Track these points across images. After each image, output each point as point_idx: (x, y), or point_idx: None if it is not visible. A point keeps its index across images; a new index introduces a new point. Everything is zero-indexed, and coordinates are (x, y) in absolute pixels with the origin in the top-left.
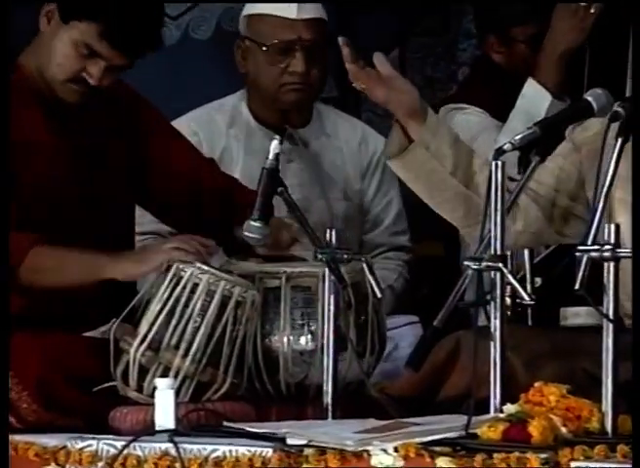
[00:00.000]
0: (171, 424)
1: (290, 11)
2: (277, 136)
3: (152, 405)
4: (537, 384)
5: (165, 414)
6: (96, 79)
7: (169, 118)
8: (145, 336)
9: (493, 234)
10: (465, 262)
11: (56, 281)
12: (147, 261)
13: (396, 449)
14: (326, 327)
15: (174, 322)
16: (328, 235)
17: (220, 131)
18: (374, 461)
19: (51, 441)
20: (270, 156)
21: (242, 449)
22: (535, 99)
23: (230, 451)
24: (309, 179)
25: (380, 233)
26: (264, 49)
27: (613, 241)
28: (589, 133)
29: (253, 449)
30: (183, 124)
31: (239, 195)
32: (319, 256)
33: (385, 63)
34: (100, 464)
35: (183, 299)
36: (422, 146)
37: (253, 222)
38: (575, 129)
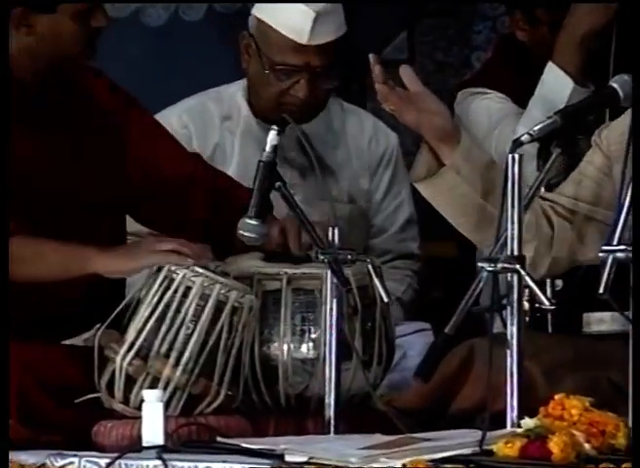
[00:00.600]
0: (159, 440)
1: (301, 34)
2: (275, 127)
3: (139, 418)
4: (557, 396)
5: (153, 429)
6: None
7: (157, 105)
8: (133, 344)
9: (509, 233)
10: (480, 264)
11: (36, 273)
12: (137, 259)
13: (404, 467)
14: (329, 333)
15: (164, 328)
16: (330, 234)
17: (214, 123)
18: None
19: (29, 458)
20: (267, 148)
21: (237, 467)
22: (555, 86)
23: None
24: (311, 180)
25: (387, 239)
26: (267, 72)
27: None
28: (615, 132)
29: (248, 467)
30: (174, 114)
31: (232, 192)
32: (320, 257)
33: (414, 79)
34: None
35: (175, 304)
36: (453, 171)
37: (248, 220)
38: (600, 132)
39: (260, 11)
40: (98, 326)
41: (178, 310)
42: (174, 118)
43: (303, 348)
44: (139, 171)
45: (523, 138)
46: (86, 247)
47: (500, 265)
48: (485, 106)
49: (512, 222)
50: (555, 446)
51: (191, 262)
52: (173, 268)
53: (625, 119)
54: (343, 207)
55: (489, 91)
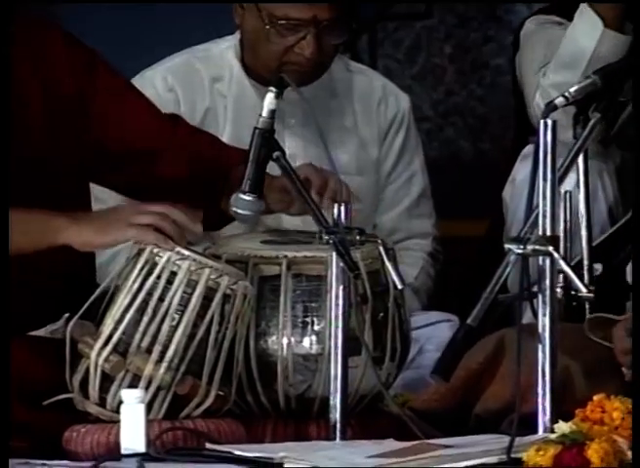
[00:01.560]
0: (140, 447)
1: None
2: (273, 89)
3: (118, 422)
4: (596, 397)
5: (133, 434)
6: None
7: (138, 65)
8: (110, 337)
9: (541, 210)
10: (507, 245)
11: None
12: (112, 232)
13: None
14: (335, 325)
15: (145, 319)
16: (336, 211)
17: (204, 86)
18: None
19: None
20: (264, 113)
21: None
22: (585, 29)
23: None
24: (314, 149)
25: (398, 215)
26: (267, 27)
27: None
28: None
29: None
30: (158, 76)
31: (222, 156)
32: (325, 238)
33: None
34: None
35: (158, 291)
36: None
37: (242, 196)
38: None
39: None
40: (67, 315)
41: (161, 298)
42: (158, 80)
43: (306, 342)
44: (105, 135)
45: (557, 101)
46: (56, 216)
47: (530, 247)
48: (546, 38)
49: (544, 197)
50: (594, 453)
51: (170, 246)
52: (155, 250)
53: None
54: (351, 179)
55: (559, 19)
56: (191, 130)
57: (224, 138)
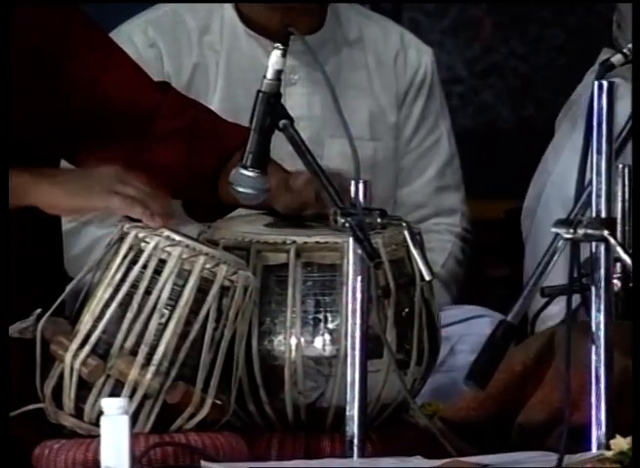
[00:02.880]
0: (124, 465)
1: None
2: (279, 45)
3: (97, 437)
4: None
5: (116, 451)
6: None
7: (115, 18)
8: (88, 336)
9: (595, 187)
10: (554, 229)
11: None
12: (89, 196)
13: None
14: (352, 323)
15: (130, 315)
16: (353, 190)
17: (191, 39)
18: None
19: None
20: (269, 74)
21: None
22: None
23: None
24: (321, 111)
25: (419, 188)
26: None
27: None
28: None
29: None
30: (137, 29)
31: (223, 135)
32: (340, 220)
33: None
34: None
35: (144, 283)
36: None
37: (244, 171)
38: None
39: None
40: (38, 311)
41: (148, 291)
42: (137, 34)
43: (317, 343)
44: (79, 100)
45: (614, 59)
46: (25, 172)
47: (581, 231)
48: None
49: (599, 173)
50: None
51: (158, 224)
52: (141, 235)
53: None
54: (364, 146)
55: None
56: (185, 101)
57: (216, 99)
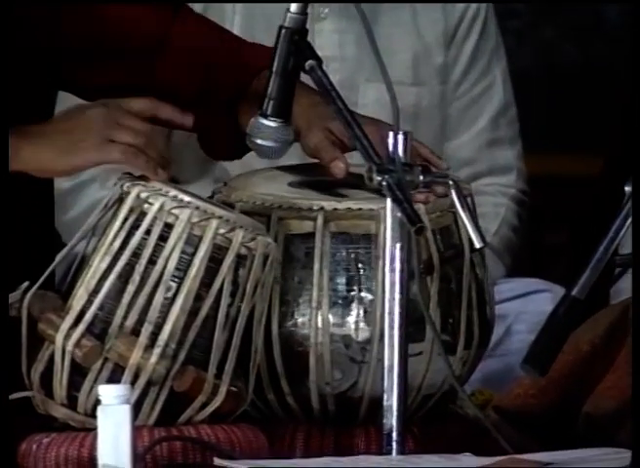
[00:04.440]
0: (125, 463)
1: None
2: None
3: (94, 430)
4: None
5: (115, 446)
6: None
7: None
8: (82, 313)
9: None
10: (627, 187)
11: None
12: (81, 151)
13: None
14: (389, 301)
15: (131, 289)
16: (391, 143)
17: None
18: None
19: None
20: (293, 7)
21: None
22: None
23: None
24: (355, 50)
25: (469, 141)
26: None
27: None
28: None
29: None
30: None
31: (244, 55)
32: (376, 179)
33: None
34: None
35: (148, 251)
36: None
37: (264, 121)
38: None
39: None
40: (25, 284)
41: (152, 261)
42: None
43: (349, 324)
44: (79, 26)
45: None
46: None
47: None
48: None
49: None
50: None
51: (164, 176)
52: (144, 195)
53: None
54: (406, 91)
55: None
56: (199, 19)
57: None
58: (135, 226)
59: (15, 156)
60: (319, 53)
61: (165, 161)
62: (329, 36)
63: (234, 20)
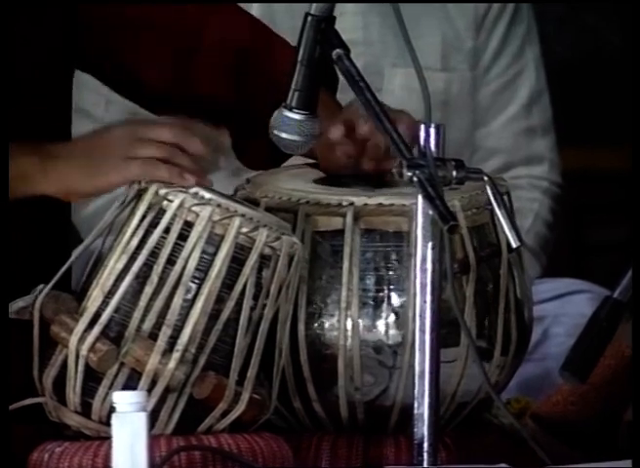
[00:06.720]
0: None
1: None
2: None
3: (108, 439)
4: None
5: (130, 456)
6: None
7: None
8: (97, 316)
9: None
10: None
11: None
12: (106, 172)
13: None
14: (421, 303)
15: (148, 290)
16: (422, 135)
17: None
18: None
19: None
20: None
21: None
22: None
23: None
24: (380, 33)
25: (498, 129)
26: None
27: None
28: None
29: None
30: None
31: (273, 51)
32: (406, 174)
33: None
34: None
35: (167, 251)
36: None
37: (288, 113)
38: None
39: None
40: (40, 287)
41: (171, 261)
42: None
43: (379, 327)
44: (97, 18)
45: None
46: (22, 154)
47: None
48: None
49: None
50: None
51: (191, 182)
52: (162, 191)
53: None
54: (435, 77)
55: None
56: (228, 9)
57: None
58: (153, 224)
59: (36, 180)
60: (343, 36)
61: (202, 165)
62: (352, 18)
63: (252, 5)
